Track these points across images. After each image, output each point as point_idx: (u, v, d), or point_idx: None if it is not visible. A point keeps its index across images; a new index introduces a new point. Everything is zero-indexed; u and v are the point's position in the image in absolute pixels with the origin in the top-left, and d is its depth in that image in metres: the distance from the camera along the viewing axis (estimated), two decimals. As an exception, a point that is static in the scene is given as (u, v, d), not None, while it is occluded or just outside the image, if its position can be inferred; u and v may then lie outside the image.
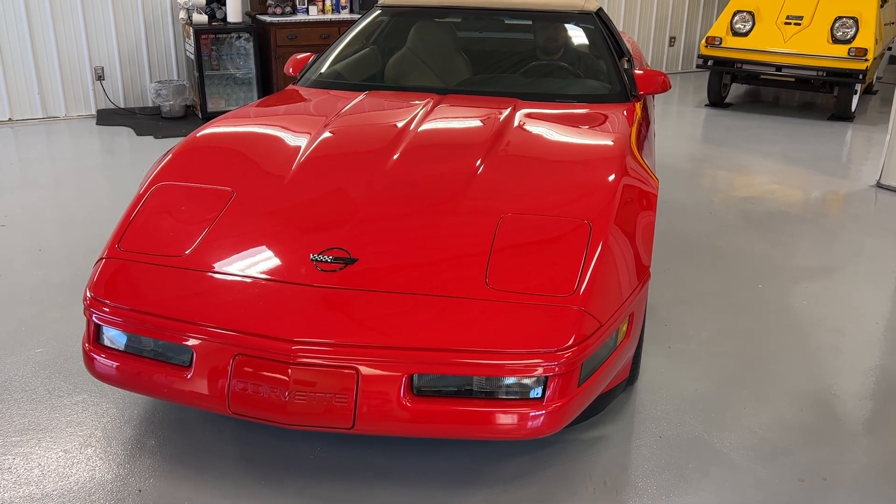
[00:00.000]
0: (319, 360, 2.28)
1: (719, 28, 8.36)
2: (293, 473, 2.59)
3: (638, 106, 3.83)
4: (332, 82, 4.03)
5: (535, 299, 2.38)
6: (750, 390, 3.14)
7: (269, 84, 7.57)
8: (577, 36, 4.33)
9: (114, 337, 2.53)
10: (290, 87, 4.08)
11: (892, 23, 8.98)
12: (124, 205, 4.85)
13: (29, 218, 4.87)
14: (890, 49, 9.36)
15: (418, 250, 2.56)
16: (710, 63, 8.36)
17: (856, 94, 8.03)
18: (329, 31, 7.57)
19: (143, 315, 2.44)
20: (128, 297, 2.50)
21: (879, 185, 5.88)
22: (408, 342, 2.29)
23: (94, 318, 2.53)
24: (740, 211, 5.28)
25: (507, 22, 4.67)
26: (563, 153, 3.16)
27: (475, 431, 2.33)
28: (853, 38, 7.74)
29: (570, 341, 2.29)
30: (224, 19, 7.35)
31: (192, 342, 2.38)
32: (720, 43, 8.23)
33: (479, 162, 2.96)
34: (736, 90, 9.49)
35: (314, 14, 7.68)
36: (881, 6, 8.18)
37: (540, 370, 2.28)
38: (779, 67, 7.99)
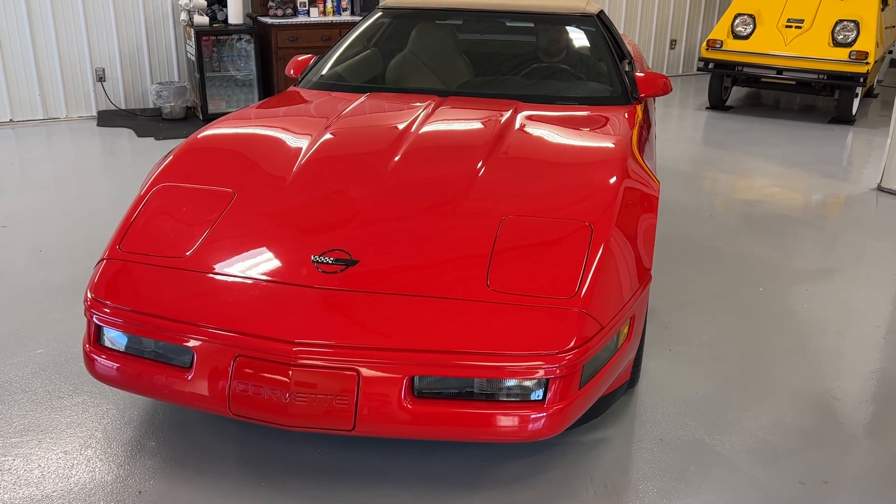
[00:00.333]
0: (320, 362, 2.28)
1: (720, 31, 8.36)
2: (293, 475, 2.59)
3: (639, 108, 3.83)
4: (333, 84, 4.03)
5: (536, 301, 2.37)
6: (751, 393, 3.14)
7: (269, 86, 7.57)
8: (578, 38, 4.33)
9: (114, 338, 2.53)
10: (291, 88, 4.08)
11: (893, 26, 8.98)
12: (125, 206, 4.86)
13: (30, 219, 4.87)
14: (891, 52, 9.36)
15: (419, 252, 2.55)
16: (710, 66, 8.37)
17: (857, 97, 8.03)
18: (330, 33, 7.57)
19: (144, 316, 2.44)
20: (129, 298, 2.50)
21: (880, 189, 5.88)
22: (409, 344, 2.29)
23: (94, 319, 2.53)
24: (741, 214, 5.28)
25: (508, 24, 4.67)
26: (565, 155, 3.15)
27: (476, 434, 2.33)
28: (854, 41, 7.74)
29: (572, 343, 2.29)
30: (225, 21, 7.35)
31: (192, 343, 2.38)
32: (721, 46, 8.23)
33: (480, 164, 2.96)
34: (737, 93, 9.49)
35: (315, 16, 7.68)
36: (882, 9, 8.18)
37: (541, 372, 2.28)
38: (780, 70, 7.99)
